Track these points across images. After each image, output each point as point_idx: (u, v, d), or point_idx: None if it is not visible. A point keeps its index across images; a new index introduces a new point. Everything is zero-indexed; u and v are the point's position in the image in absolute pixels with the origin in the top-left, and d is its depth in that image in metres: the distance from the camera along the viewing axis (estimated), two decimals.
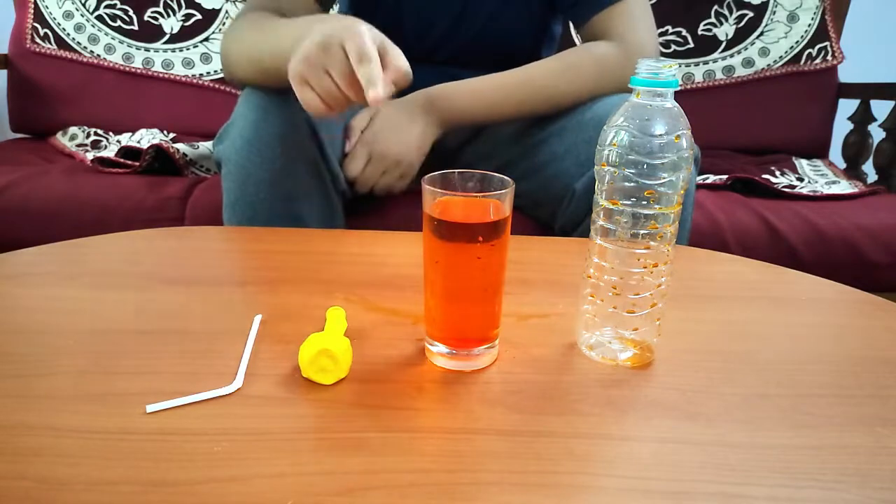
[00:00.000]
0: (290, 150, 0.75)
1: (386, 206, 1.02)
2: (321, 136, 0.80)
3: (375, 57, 0.59)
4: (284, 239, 0.72)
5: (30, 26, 1.53)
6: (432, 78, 0.98)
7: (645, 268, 0.46)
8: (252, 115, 0.76)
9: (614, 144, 0.44)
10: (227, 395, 0.43)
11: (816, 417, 0.43)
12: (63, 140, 1.45)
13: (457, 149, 1.03)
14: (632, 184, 0.44)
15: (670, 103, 0.44)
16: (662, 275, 0.47)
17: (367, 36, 0.60)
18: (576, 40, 1.47)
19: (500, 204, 0.44)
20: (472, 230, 0.45)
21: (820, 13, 1.53)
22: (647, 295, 0.47)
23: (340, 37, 0.61)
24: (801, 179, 1.32)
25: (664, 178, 0.44)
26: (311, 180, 0.80)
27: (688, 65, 1.55)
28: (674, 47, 1.56)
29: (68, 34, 1.53)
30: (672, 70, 0.43)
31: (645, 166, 0.43)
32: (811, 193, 1.20)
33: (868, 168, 1.49)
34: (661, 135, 0.43)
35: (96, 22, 1.53)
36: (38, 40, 1.52)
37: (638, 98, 0.44)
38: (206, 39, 1.54)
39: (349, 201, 0.92)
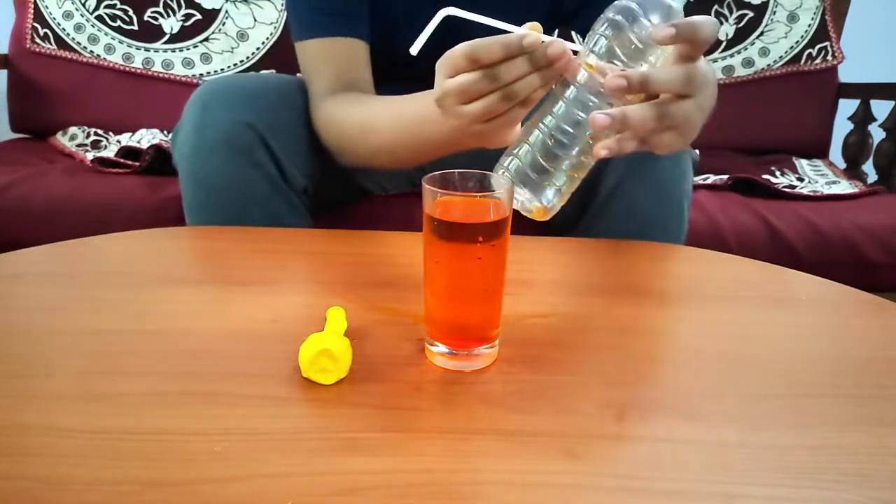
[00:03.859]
0: (236, 156, 0.74)
1: (385, 206, 1.02)
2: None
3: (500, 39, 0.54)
4: (284, 239, 0.72)
5: (30, 26, 1.53)
6: (425, 87, 0.98)
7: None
8: (197, 120, 0.74)
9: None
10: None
11: (816, 417, 0.43)
12: (63, 140, 1.45)
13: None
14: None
15: None
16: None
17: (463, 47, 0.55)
18: (576, 39, 1.46)
19: (500, 204, 0.44)
20: (472, 230, 0.45)
21: (820, 13, 1.53)
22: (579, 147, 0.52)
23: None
24: (801, 179, 1.32)
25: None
26: (262, 184, 0.77)
27: None
28: None
29: (68, 34, 1.52)
30: None
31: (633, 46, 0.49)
32: (811, 193, 1.20)
33: (868, 168, 1.49)
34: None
35: (96, 22, 1.53)
36: (38, 40, 1.52)
37: None
38: (206, 39, 1.54)
39: (345, 203, 0.92)
